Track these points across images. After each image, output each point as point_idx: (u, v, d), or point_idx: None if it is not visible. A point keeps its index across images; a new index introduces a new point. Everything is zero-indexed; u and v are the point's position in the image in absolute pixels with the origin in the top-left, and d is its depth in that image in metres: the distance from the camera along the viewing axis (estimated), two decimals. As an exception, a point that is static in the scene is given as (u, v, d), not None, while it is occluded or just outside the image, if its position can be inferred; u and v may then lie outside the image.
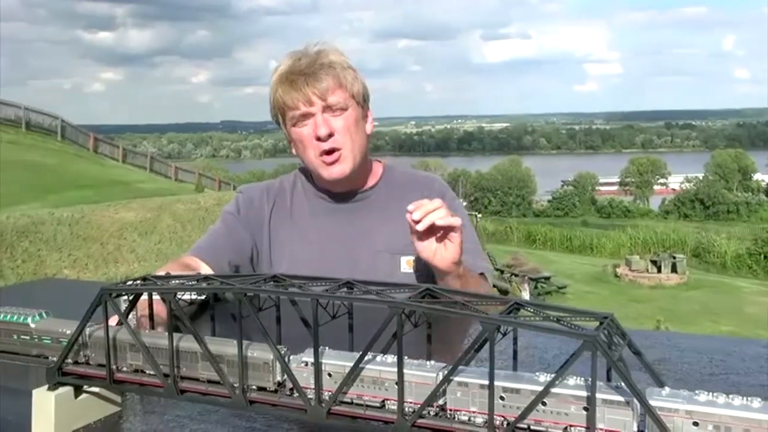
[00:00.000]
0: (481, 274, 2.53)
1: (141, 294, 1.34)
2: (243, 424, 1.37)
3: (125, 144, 46.53)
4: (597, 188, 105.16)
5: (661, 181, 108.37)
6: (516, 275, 31.97)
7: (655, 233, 47.90)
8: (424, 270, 2.55)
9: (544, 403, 1.03)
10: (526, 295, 28.70)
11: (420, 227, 2.15)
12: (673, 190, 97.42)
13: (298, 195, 2.66)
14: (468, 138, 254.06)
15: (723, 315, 26.88)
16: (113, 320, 1.34)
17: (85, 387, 1.39)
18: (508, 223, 57.34)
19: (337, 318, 1.20)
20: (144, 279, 1.35)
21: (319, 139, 2.42)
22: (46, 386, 1.36)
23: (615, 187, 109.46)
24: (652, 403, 0.97)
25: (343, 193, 2.60)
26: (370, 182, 2.65)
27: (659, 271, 35.35)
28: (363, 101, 2.53)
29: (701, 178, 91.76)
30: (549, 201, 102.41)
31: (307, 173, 2.65)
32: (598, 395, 1.00)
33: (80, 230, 16.61)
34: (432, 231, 2.20)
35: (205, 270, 2.36)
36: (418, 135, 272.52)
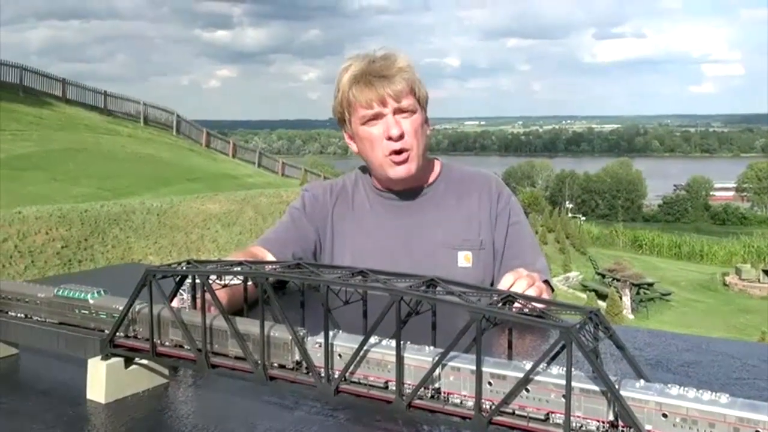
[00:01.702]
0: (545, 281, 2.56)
1: (186, 276, 1.48)
2: (273, 400, 1.49)
3: (237, 139, 47.99)
4: (712, 193, 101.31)
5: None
6: (618, 280, 31.21)
7: (771, 242, 45.82)
8: (481, 265, 2.62)
9: (527, 390, 1.09)
10: (627, 301, 28.01)
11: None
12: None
13: (359, 193, 2.77)
14: (577, 139, 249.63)
15: (840, 329, 25.42)
16: (176, 302, 1.49)
17: (136, 359, 1.54)
18: (614, 227, 55.91)
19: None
20: (188, 262, 1.48)
21: (390, 138, 2.52)
22: (100, 356, 1.51)
23: (731, 193, 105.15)
24: (625, 394, 1.02)
25: (403, 190, 2.69)
26: (429, 180, 2.73)
27: (772, 281, 33.86)
28: (425, 105, 2.62)
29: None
30: (660, 205, 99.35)
31: (367, 172, 2.75)
32: (577, 384, 1.06)
33: (167, 220, 17.40)
34: None
35: (270, 260, 2.50)
36: (525, 135, 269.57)
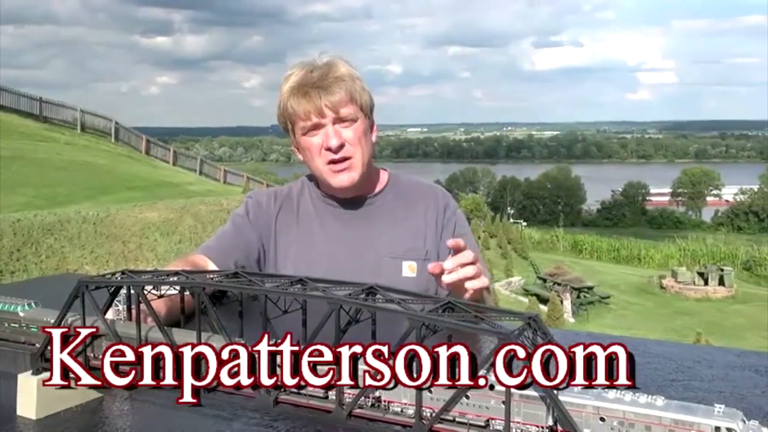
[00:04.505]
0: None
1: (121, 287, 1.44)
2: (211, 413, 1.46)
3: (178, 147, 47.39)
4: (648, 198, 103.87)
5: (714, 192, 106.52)
6: (558, 284, 31.71)
7: (705, 245, 47.11)
8: (426, 275, 2.62)
9: (467, 397, 1.09)
10: (567, 304, 28.49)
11: (447, 280, 2.11)
12: (727, 201, 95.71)
13: (305, 200, 2.74)
14: (517, 145, 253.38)
15: (772, 329, 26.19)
16: (110, 313, 1.44)
17: (69, 373, 1.49)
18: (554, 231, 56.81)
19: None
20: (123, 273, 1.45)
21: (329, 149, 2.50)
22: (31, 371, 1.46)
23: (666, 198, 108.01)
24: (563, 399, 1.03)
25: (350, 198, 2.67)
26: (376, 189, 2.72)
27: (706, 283, 34.78)
28: (369, 112, 2.60)
29: (756, 189, 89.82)
30: (598, 210, 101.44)
31: (314, 180, 2.73)
32: (516, 390, 1.06)
33: (104, 229, 17.06)
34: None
35: (212, 268, 2.45)
36: (467, 142, 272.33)
